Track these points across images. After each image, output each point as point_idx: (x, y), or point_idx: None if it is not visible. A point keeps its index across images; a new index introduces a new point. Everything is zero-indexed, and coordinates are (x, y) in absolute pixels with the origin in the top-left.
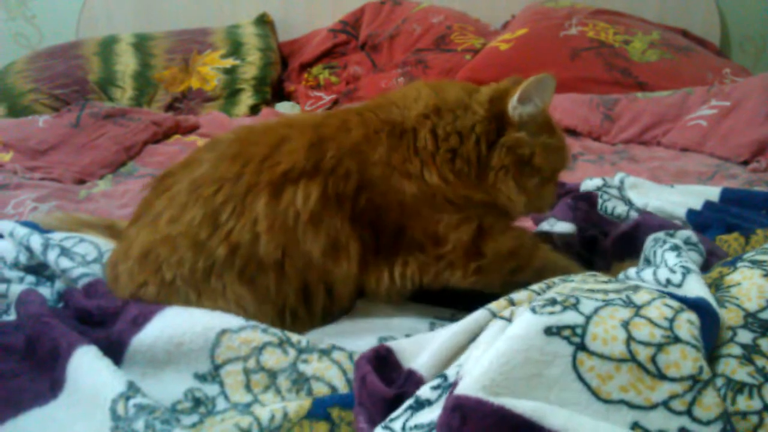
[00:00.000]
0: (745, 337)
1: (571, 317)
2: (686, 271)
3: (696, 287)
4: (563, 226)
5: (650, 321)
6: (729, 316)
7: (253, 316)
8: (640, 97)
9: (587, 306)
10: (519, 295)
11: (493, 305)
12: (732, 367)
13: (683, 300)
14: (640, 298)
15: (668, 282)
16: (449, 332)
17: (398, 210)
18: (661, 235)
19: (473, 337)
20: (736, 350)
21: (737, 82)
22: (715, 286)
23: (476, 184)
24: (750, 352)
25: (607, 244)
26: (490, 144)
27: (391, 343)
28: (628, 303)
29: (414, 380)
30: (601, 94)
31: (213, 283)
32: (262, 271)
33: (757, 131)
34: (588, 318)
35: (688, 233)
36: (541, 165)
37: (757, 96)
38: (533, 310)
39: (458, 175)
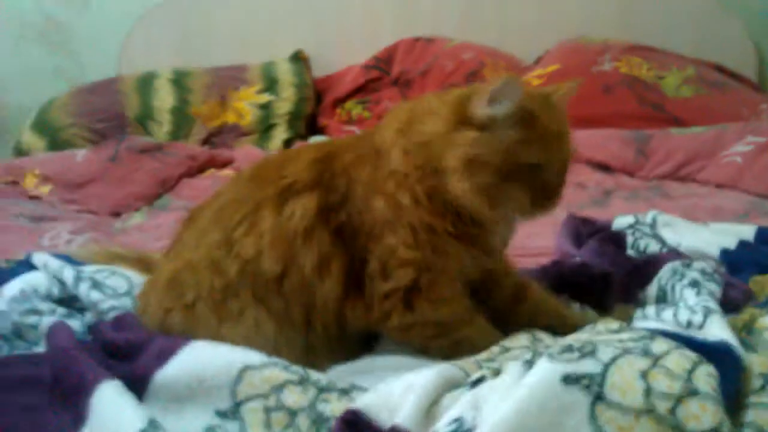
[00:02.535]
0: None
1: (589, 365)
2: (707, 312)
3: (717, 329)
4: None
5: (669, 372)
6: (760, 361)
7: (274, 343)
8: (674, 133)
9: (605, 354)
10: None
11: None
12: (764, 418)
13: (703, 344)
14: (657, 347)
15: (689, 324)
16: (426, 380)
17: (368, 231)
18: (678, 265)
19: (455, 382)
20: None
21: None
22: (746, 329)
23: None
24: None
25: (617, 281)
26: None
27: (357, 406)
28: (646, 353)
29: None
30: (634, 130)
31: (230, 304)
32: (269, 290)
33: None
34: (606, 366)
35: (702, 264)
36: (499, 162)
37: None
38: (550, 357)
39: (431, 196)
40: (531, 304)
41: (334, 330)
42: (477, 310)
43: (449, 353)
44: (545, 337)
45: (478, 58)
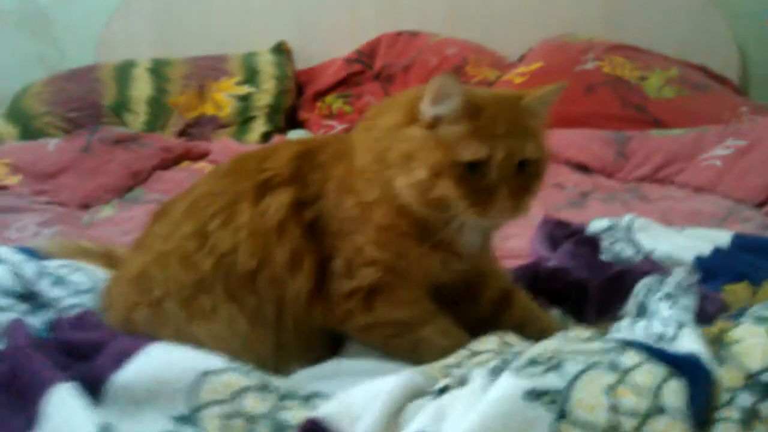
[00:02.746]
0: (745, 400)
1: (553, 380)
2: (680, 325)
3: (689, 342)
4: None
5: (636, 388)
6: (729, 376)
7: (246, 341)
8: (654, 135)
9: (571, 368)
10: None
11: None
12: None
13: (674, 357)
14: (626, 360)
15: (661, 337)
16: (390, 388)
17: (338, 228)
18: (651, 281)
19: (419, 390)
20: (735, 414)
21: (755, 120)
22: (717, 342)
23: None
24: (750, 418)
25: (593, 291)
26: None
27: (318, 415)
28: (614, 366)
29: None
30: (615, 131)
31: (202, 300)
32: (242, 286)
33: None
34: (571, 382)
35: (677, 277)
36: (438, 159)
37: None
38: (514, 371)
39: (387, 195)
40: (517, 312)
41: (305, 328)
42: (440, 313)
43: (409, 354)
44: (514, 341)
45: (461, 54)
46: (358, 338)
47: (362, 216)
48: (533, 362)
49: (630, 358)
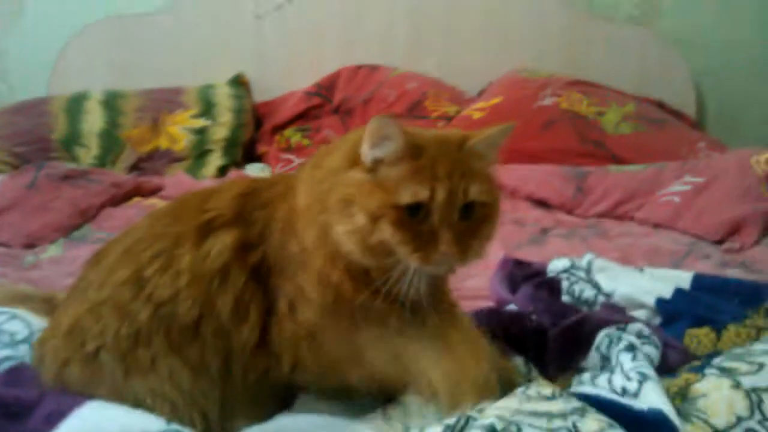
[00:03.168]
0: None
1: None
2: (643, 379)
3: (653, 397)
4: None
5: None
6: None
7: (189, 396)
8: (612, 171)
9: None
10: None
11: None
12: None
13: (639, 414)
14: (587, 426)
15: (624, 391)
16: None
17: (281, 269)
18: (613, 331)
19: None
20: None
21: (712, 156)
22: (681, 395)
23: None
24: None
25: (552, 339)
26: None
27: None
28: None
29: None
30: (574, 166)
31: (140, 353)
32: (184, 337)
33: (731, 210)
34: None
35: (639, 326)
36: (377, 204)
37: (732, 174)
38: None
39: (324, 240)
40: None
41: (253, 382)
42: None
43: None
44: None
45: (421, 89)
46: (316, 387)
47: (303, 258)
48: (492, 430)
49: (590, 424)
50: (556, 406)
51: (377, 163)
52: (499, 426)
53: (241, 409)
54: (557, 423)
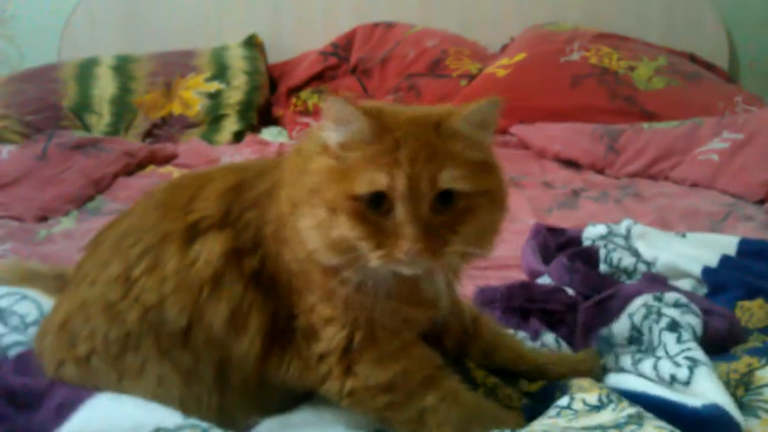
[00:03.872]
0: None
1: None
2: (693, 364)
3: (707, 386)
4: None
5: None
6: (763, 428)
7: (180, 404)
8: (646, 128)
9: None
10: None
11: None
12: None
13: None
14: None
15: (673, 379)
16: None
17: (287, 281)
18: (651, 301)
19: None
20: None
21: (750, 110)
22: (744, 385)
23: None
24: None
25: (580, 312)
26: None
27: None
28: None
29: None
30: (605, 124)
31: (129, 358)
32: (174, 343)
33: None
34: None
35: (675, 295)
36: (335, 193)
37: None
38: None
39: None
40: (484, 342)
41: (255, 386)
42: (445, 369)
43: (415, 429)
44: None
45: (440, 46)
46: (344, 407)
47: (302, 271)
48: None
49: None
50: (608, 416)
51: (343, 147)
52: None
53: (244, 412)
54: None
